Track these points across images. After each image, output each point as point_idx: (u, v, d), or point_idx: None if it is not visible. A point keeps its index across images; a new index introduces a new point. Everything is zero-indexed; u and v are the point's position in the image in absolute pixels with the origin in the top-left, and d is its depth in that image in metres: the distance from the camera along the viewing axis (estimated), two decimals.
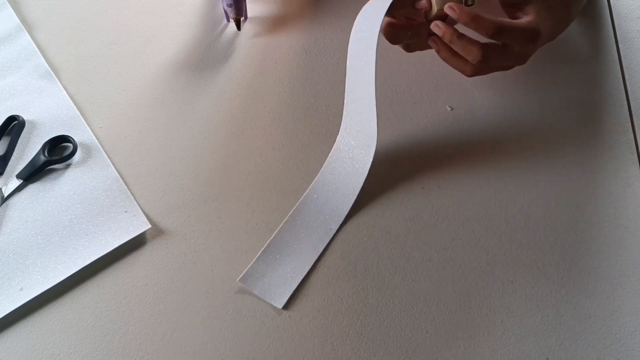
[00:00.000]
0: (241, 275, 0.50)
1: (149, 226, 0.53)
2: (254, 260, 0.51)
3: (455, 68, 0.51)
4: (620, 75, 0.61)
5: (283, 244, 0.52)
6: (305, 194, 0.54)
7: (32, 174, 0.56)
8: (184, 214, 0.54)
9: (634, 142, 0.57)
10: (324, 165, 0.55)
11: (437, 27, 0.48)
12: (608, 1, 0.66)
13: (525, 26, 0.47)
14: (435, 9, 0.47)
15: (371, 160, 0.53)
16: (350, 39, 0.51)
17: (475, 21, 0.45)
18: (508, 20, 0.47)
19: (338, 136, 0.55)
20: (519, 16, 0.49)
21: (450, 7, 0.46)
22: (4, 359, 0.48)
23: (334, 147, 0.55)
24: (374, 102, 0.50)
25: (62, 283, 0.50)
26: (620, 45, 0.63)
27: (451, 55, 0.50)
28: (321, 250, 0.51)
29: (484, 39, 0.47)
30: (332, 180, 0.54)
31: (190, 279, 0.51)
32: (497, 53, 0.48)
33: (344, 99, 0.54)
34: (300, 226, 0.52)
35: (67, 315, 0.49)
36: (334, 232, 0.52)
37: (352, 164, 0.54)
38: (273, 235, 0.52)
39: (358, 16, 0.50)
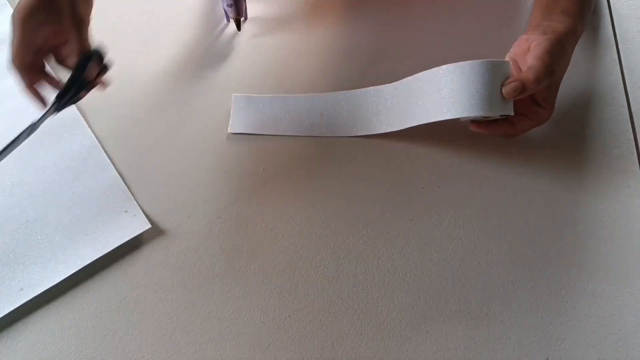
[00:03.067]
0: (238, 94, 0.59)
1: (149, 226, 0.53)
2: (256, 96, 0.59)
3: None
4: (620, 75, 0.61)
5: (278, 105, 0.59)
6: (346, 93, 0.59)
7: (64, 94, 0.51)
8: (184, 214, 0.54)
9: (634, 142, 0.57)
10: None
11: (475, 129, 0.54)
12: (608, 1, 0.66)
13: (539, 120, 0.53)
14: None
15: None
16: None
17: (494, 129, 0.53)
18: (524, 121, 0.53)
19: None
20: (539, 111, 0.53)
21: (473, 129, 0.54)
22: (4, 359, 0.48)
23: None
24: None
25: (62, 283, 0.50)
26: (620, 46, 0.63)
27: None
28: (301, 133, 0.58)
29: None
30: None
31: (190, 279, 0.51)
32: (527, 124, 0.53)
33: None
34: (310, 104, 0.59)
35: (67, 315, 0.49)
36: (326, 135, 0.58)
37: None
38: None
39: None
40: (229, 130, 0.58)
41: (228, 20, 0.66)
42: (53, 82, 0.52)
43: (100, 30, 0.67)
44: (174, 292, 0.50)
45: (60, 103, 0.52)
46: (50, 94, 0.51)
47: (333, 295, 0.50)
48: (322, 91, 0.61)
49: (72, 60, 0.50)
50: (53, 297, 0.50)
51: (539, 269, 0.50)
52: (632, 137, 0.57)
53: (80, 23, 0.50)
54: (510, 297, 0.49)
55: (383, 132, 0.57)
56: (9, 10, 0.69)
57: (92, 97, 0.62)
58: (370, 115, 0.57)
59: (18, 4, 0.48)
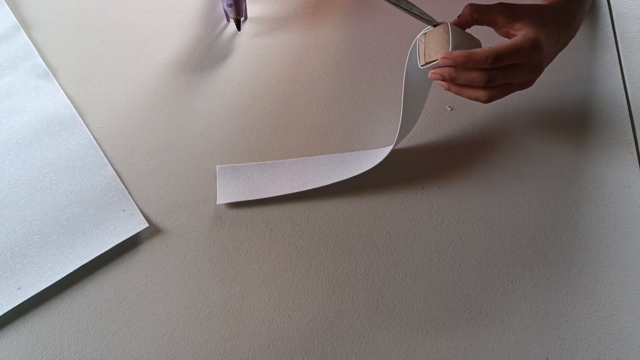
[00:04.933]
0: (223, 165, 0.56)
1: (147, 225, 0.52)
2: (242, 165, 0.56)
3: (470, 98, 0.49)
4: (620, 75, 0.61)
5: (267, 171, 0.56)
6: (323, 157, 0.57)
7: None
8: (184, 214, 0.54)
9: (634, 142, 0.57)
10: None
11: (434, 74, 0.48)
12: (608, 1, 0.67)
13: (521, 41, 0.47)
14: (422, 61, 0.49)
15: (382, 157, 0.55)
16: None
17: (470, 59, 0.46)
18: (502, 43, 0.47)
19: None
20: (514, 34, 0.49)
21: (443, 57, 0.46)
22: (3, 359, 0.47)
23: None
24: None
25: (60, 282, 0.50)
26: (620, 46, 0.63)
27: (461, 88, 0.49)
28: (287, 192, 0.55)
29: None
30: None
31: (190, 279, 0.51)
32: (503, 71, 0.48)
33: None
34: (289, 169, 0.56)
35: (67, 314, 0.49)
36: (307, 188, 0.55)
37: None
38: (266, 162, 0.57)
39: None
40: (218, 202, 0.54)
41: (228, 20, 0.66)
42: None
43: (101, 30, 0.67)
44: (174, 292, 0.50)
45: None
46: None
47: (333, 295, 0.50)
48: (322, 92, 0.61)
49: None
50: (51, 296, 0.50)
51: (539, 269, 0.50)
52: (632, 137, 0.57)
53: None
54: (510, 297, 0.49)
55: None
56: (6, 10, 0.68)
57: (92, 97, 0.62)
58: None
59: None
